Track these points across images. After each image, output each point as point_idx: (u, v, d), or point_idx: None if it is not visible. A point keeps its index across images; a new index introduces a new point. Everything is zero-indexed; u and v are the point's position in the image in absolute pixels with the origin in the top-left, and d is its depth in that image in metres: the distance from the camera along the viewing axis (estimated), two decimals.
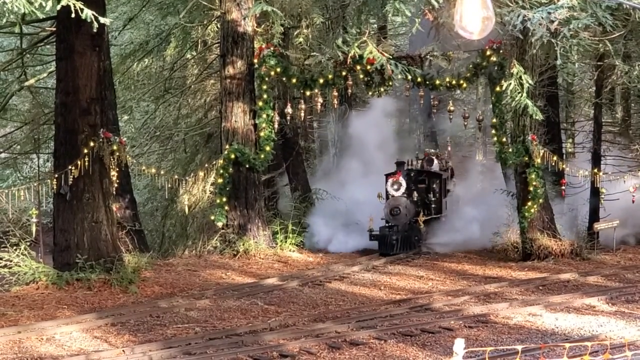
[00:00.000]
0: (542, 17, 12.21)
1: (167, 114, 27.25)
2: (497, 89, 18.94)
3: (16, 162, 27.48)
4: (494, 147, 20.25)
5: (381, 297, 15.66)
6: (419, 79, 18.94)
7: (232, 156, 20.20)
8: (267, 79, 20.00)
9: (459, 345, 4.82)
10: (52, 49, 22.68)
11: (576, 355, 6.67)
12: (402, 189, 22.28)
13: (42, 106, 24.78)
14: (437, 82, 19.18)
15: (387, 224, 22.32)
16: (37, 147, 23.99)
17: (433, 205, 23.81)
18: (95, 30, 12.76)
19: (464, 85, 19.77)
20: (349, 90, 19.96)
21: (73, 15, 10.43)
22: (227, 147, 20.36)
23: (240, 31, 20.67)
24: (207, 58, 25.72)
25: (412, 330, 12.23)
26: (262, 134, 20.17)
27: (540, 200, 19.88)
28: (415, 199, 23.10)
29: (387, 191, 22.62)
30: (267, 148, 20.18)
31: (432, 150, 26.61)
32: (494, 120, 19.44)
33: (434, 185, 24.06)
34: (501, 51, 18.93)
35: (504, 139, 19.54)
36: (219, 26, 22.56)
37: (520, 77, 16.51)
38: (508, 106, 18.83)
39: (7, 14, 11.12)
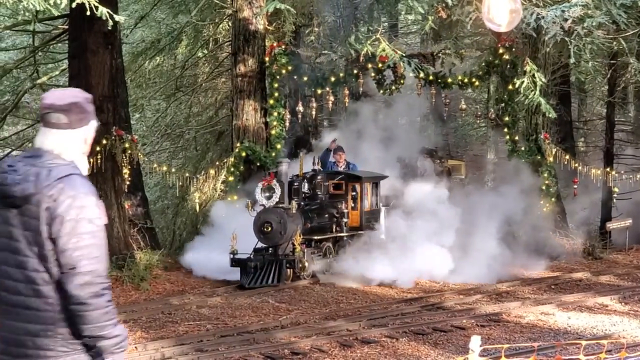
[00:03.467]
0: (556, 15, 12.18)
1: (178, 112, 27.29)
2: (510, 87, 18.90)
3: None
4: (507, 145, 20.20)
5: (392, 295, 15.63)
6: (430, 77, 18.91)
7: (243, 154, 20.20)
8: (278, 77, 20.00)
9: (475, 342, 4.80)
10: (63, 47, 22.76)
11: (591, 354, 6.63)
12: (276, 197, 16.04)
13: None
14: (449, 80, 19.14)
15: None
16: None
17: (345, 220, 17.51)
18: (108, 28, 12.83)
19: (476, 83, 19.72)
20: (360, 89, 19.95)
21: (88, 12, 10.44)
22: (238, 145, 20.37)
23: (252, 29, 20.67)
24: (219, 56, 25.75)
25: (424, 328, 12.20)
26: (273, 132, 20.16)
27: (552, 199, 19.83)
28: (310, 210, 17.00)
29: (256, 200, 16.44)
30: (278, 146, 20.18)
31: (428, 147, 22.98)
32: (506, 118, 19.39)
33: (354, 192, 17.87)
34: (514, 49, 18.89)
35: (516, 137, 19.50)
36: (230, 24, 22.57)
37: (533, 75, 16.45)
38: (521, 104, 18.80)
39: (23, 12, 11.14)
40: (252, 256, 16.14)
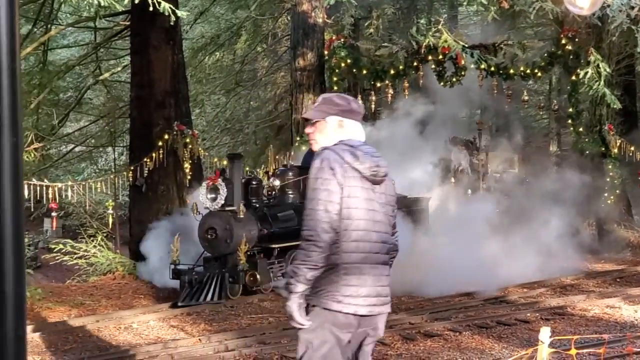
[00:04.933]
0: (622, 4, 11.93)
1: (238, 107, 27.49)
2: (573, 77, 18.59)
3: (92, 155, 28.03)
4: (571, 137, 19.91)
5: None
6: (492, 68, 18.70)
7: (303, 148, 20.23)
8: (337, 70, 19.96)
9: (545, 333, 4.72)
10: (124, 43, 23.07)
11: None
12: (221, 198, 13.75)
13: (116, 100, 25.21)
14: (511, 71, 18.90)
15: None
16: (113, 140, 24.43)
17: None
18: (169, 24, 12.96)
19: (539, 74, 19.44)
20: (421, 81, 19.81)
21: (150, 8, 10.54)
22: (298, 138, 20.40)
23: (311, 23, 20.68)
24: (278, 50, 25.85)
25: (487, 322, 12.07)
26: None
27: (617, 191, 19.48)
28: (271, 213, 14.61)
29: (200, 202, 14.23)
30: None
31: (460, 137, 21.23)
32: (570, 109, 19.09)
33: None
34: (577, 39, 18.58)
35: (580, 129, 19.20)
36: (289, 18, 22.63)
37: (598, 65, 16.17)
38: (584, 95, 18.50)
39: (87, 8, 11.30)
40: (199, 268, 14.01)
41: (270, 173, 15.34)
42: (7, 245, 1.69)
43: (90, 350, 10.71)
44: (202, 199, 13.92)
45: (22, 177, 1.78)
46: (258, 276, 13.84)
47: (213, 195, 13.80)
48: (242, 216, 13.81)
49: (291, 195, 15.11)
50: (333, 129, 4.85)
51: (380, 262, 4.77)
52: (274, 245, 14.19)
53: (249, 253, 13.84)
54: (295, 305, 4.60)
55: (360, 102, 5.09)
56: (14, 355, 1.74)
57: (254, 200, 14.37)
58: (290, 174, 15.13)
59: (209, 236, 13.78)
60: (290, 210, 14.82)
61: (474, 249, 15.51)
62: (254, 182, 14.56)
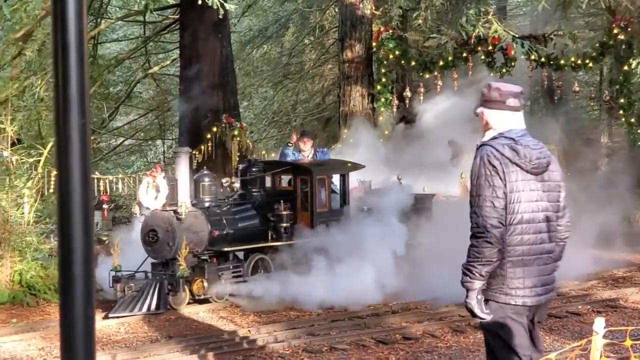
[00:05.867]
0: None
1: (285, 100, 27.55)
2: (625, 68, 18.31)
3: (141, 148, 28.33)
4: (622, 128, 19.60)
5: None
6: (542, 59, 18.48)
7: (351, 140, 20.21)
8: (385, 62, 19.91)
9: (599, 324, 4.65)
10: (173, 36, 23.25)
11: None
12: (161, 197, 12.07)
13: (165, 93, 25.43)
14: (562, 62, 18.65)
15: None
16: (162, 133, 24.66)
17: (283, 224, 13.06)
18: (218, 17, 13.02)
19: (590, 64, 19.16)
20: (470, 72, 19.64)
21: (199, 1, 10.60)
22: (346, 131, 20.39)
23: (359, 14, 20.64)
24: (325, 43, 25.84)
25: None
26: (380, 117, 20.09)
27: None
28: (224, 213, 12.87)
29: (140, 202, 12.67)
30: (386, 132, 20.10)
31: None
32: (622, 100, 18.80)
33: (305, 189, 13.56)
34: (629, 29, 18.28)
35: (632, 120, 18.90)
36: (336, 10, 22.61)
37: None
38: (637, 86, 18.20)
39: (137, 2, 11.41)
40: (141, 274, 12.44)
41: (233, 170, 13.87)
42: (76, 226, 1.72)
43: (141, 341, 10.84)
44: (142, 197, 12.33)
45: (90, 157, 1.80)
46: (205, 284, 12.25)
47: (153, 192, 12.17)
48: (183, 216, 12.08)
49: (255, 194, 13.43)
50: (493, 122, 5.03)
51: (545, 251, 5.01)
52: (228, 249, 12.63)
53: (199, 258, 12.46)
54: (474, 301, 4.90)
55: (520, 89, 5.11)
56: (84, 335, 1.77)
57: (207, 199, 12.73)
58: (254, 169, 13.53)
59: (150, 239, 12.13)
60: (252, 210, 13.25)
61: None
62: (206, 179, 12.94)
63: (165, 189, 12.00)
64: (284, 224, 13.05)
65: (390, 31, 19.60)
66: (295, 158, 15.16)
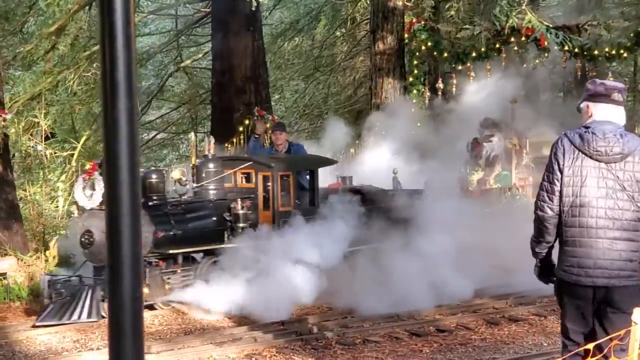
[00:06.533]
0: None
1: (317, 92, 27.52)
2: None
3: (173, 141, 28.47)
4: None
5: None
6: (576, 50, 18.28)
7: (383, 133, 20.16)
8: (417, 53, 19.80)
9: (639, 315, 4.61)
10: (205, 30, 23.33)
11: None
12: (98, 195, 11.20)
13: (197, 86, 25.52)
14: (596, 52, 18.45)
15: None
16: (194, 127, 24.76)
17: (241, 224, 11.96)
18: (250, 10, 13.04)
19: (625, 55, 18.93)
20: (503, 63, 19.47)
21: None
22: (378, 123, 20.33)
23: (391, 6, 20.53)
24: (357, 35, 25.79)
25: None
26: (412, 109, 20.01)
27: None
28: (173, 212, 11.84)
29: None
30: (418, 124, 20.01)
31: (492, 119, 18.35)
32: None
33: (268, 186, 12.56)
34: None
35: None
36: (368, 2, 22.54)
37: None
38: None
39: None
40: (76, 278, 11.44)
41: (190, 165, 12.75)
42: (124, 208, 1.72)
43: (175, 332, 10.90)
44: (77, 196, 11.63)
45: (137, 140, 1.81)
46: (146, 289, 11.12)
47: (89, 192, 11.38)
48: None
49: (212, 191, 12.38)
50: (585, 114, 5.40)
51: (607, 237, 5.25)
52: (174, 251, 11.61)
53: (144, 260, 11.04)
54: (535, 268, 5.64)
55: (622, 85, 5.50)
56: (132, 316, 1.78)
57: (154, 197, 11.78)
58: (211, 165, 12.48)
59: (85, 241, 11.23)
60: (207, 209, 12.25)
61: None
62: (153, 176, 11.97)
63: (101, 187, 11.01)
64: (241, 224, 11.92)
65: (423, 22, 19.48)
66: (268, 152, 14.49)
